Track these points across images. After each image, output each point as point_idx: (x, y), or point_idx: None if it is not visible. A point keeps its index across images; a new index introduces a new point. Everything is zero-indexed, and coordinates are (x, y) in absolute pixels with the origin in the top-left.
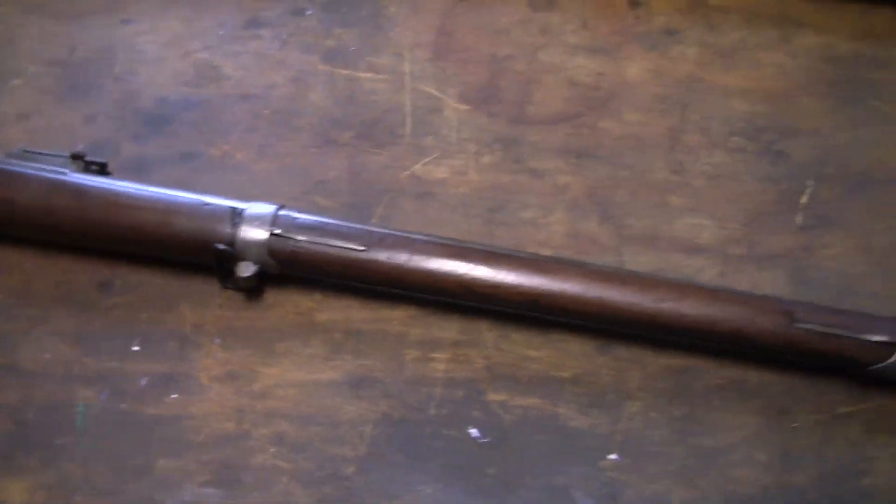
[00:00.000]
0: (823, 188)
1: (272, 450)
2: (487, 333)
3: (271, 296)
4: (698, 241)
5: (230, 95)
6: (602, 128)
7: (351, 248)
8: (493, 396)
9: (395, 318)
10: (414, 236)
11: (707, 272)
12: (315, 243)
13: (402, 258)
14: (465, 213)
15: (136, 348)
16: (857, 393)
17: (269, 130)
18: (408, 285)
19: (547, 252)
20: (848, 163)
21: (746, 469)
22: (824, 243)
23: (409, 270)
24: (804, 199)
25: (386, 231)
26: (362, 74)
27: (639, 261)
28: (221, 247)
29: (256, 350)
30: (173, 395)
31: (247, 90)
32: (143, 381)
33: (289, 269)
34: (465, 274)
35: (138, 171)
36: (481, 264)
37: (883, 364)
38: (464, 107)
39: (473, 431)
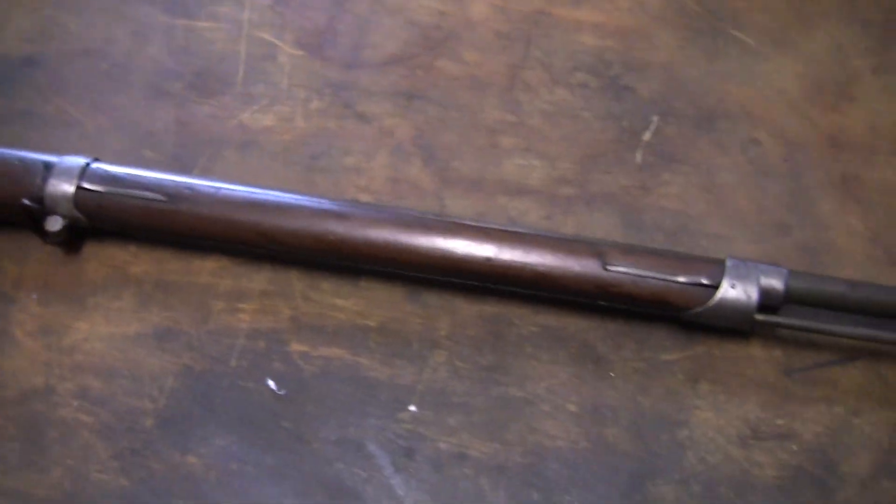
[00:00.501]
0: (669, 124)
1: (75, 404)
2: (297, 283)
3: (89, 249)
4: (527, 182)
5: (70, 51)
6: (438, 68)
7: (153, 199)
8: (296, 347)
9: (206, 270)
10: (218, 186)
11: (532, 215)
12: (119, 195)
13: (203, 209)
14: (286, 161)
15: None
16: (682, 339)
17: (106, 85)
18: (210, 236)
19: (366, 198)
20: (697, 97)
21: (554, 421)
22: (663, 181)
23: (210, 221)
24: (647, 137)
25: (189, 182)
26: (201, 24)
27: (460, 204)
28: (27, 202)
29: (70, 305)
30: None
31: (87, 45)
32: None
33: (98, 222)
34: (264, 223)
35: None
36: (279, 213)
37: (701, 308)
38: (298, 52)
39: (271, 383)
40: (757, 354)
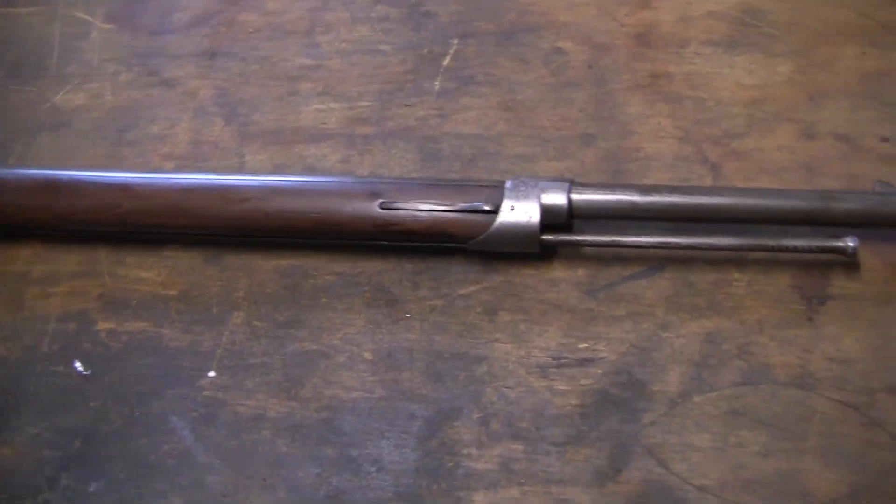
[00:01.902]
0: (469, 46)
1: None
2: (104, 261)
3: None
4: (325, 126)
5: None
6: (240, 22)
7: None
8: (104, 325)
9: (21, 258)
10: (18, 172)
11: (329, 159)
12: None
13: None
14: (95, 138)
15: None
16: (479, 271)
17: None
18: (13, 224)
19: (170, 165)
20: (498, 13)
21: (350, 372)
22: (462, 106)
23: (10, 209)
24: (446, 62)
25: None
26: (19, 10)
27: (259, 159)
28: None
29: None
30: None
31: None
32: None
33: None
34: (56, 205)
35: None
36: (70, 194)
37: (483, 235)
38: (109, 26)
39: (77, 365)
40: (559, 277)
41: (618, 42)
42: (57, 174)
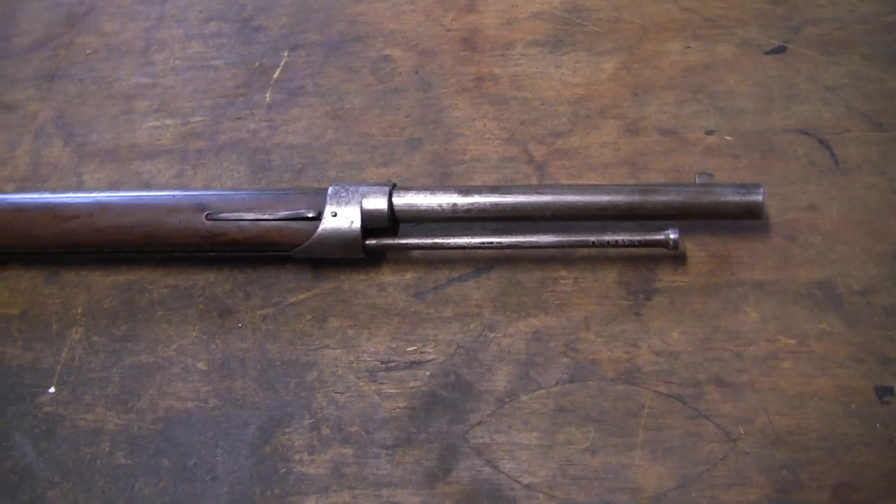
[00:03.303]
0: (299, 57)
1: None
2: None
3: None
4: (160, 143)
5: None
6: (78, 44)
7: None
8: None
9: None
10: None
11: (164, 175)
12: None
13: None
14: None
15: None
16: (309, 279)
17: None
18: None
19: (11, 187)
20: (327, 24)
21: (184, 383)
22: (291, 117)
23: None
24: (276, 74)
25: None
26: None
27: (96, 177)
28: None
29: None
30: None
31: None
32: None
33: None
34: None
35: None
36: None
37: (308, 242)
38: None
39: None
40: (387, 281)
41: (444, 47)
42: None
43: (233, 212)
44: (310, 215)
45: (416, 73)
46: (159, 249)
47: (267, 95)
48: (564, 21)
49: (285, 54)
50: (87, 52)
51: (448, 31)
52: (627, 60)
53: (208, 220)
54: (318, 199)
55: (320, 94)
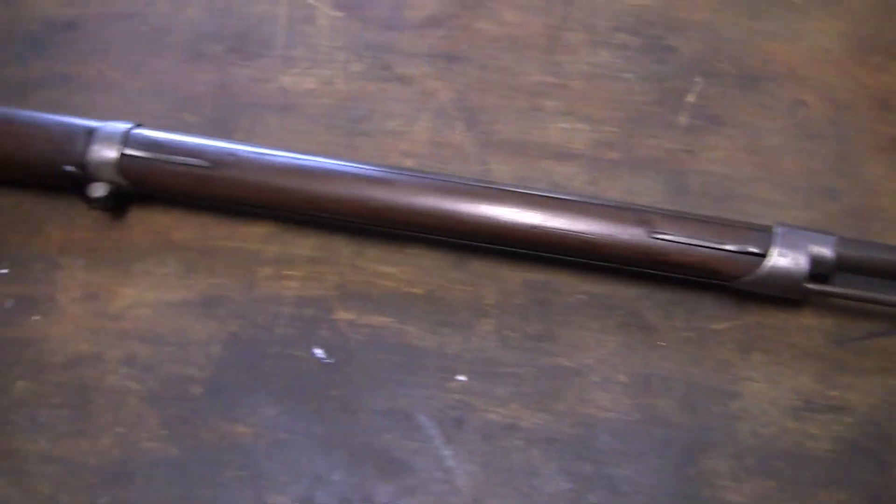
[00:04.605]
0: (712, 85)
1: (123, 371)
2: (344, 250)
3: (135, 215)
4: (570, 146)
5: (111, 14)
6: (477, 29)
7: (196, 166)
8: (343, 315)
9: (252, 236)
10: (262, 152)
11: (577, 179)
12: (163, 161)
13: (246, 175)
14: (328, 124)
15: (4, 271)
16: (732, 308)
17: (146, 48)
18: (253, 203)
19: (409, 162)
20: (741, 57)
21: (604, 392)
22: (709, 145)
23: (253, 188)
24: (691, 98)
25: (232, 147)
26: None
27: (503, 169)
28: (69, 168)
29: (116, 270)
30: (35, 318)
31: (127, 8)
32: (9, 304)
33: (142, 188)
34: (307, 189)
35: (21, 95)
36: (322, 180)
37: (751, 277)
38: (338, 14)
39: (318, 352)
40: (808, 324)
41: (858, 101)
42: (306, 158)
43: (677, 234)
44: (755, 251)
45: (832, 123)
46: (594, 258)
47: (682, 118)
48: None
49: (699, 80)
50: (487, 38)
51: (861, 86)
52: None
53: (652, 237)
54: (763, 237)
55: (736, 127)
